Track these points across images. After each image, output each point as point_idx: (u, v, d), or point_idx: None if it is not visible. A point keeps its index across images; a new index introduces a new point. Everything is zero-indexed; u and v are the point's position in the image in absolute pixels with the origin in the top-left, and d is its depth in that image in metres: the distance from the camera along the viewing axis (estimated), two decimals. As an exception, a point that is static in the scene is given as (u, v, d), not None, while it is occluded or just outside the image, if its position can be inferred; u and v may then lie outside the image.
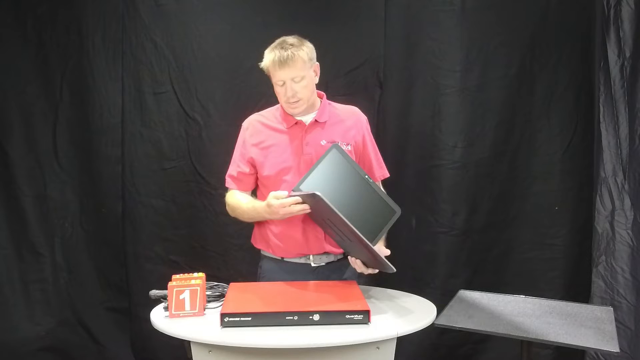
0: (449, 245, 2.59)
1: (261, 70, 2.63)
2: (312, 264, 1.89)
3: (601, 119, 2.25)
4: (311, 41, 1.95)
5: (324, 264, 1.90)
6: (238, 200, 1.92)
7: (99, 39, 2.71)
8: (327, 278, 1.87)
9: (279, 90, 1.88)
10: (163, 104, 2.73)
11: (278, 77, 1.84)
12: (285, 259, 1.91)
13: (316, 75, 1.91)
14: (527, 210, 2.54)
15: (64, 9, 2.70)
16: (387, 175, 2.01)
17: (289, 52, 1.81)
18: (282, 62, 1.80)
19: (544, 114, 2.51)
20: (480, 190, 2.57)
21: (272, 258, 1.94)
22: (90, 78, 2.72)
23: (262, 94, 2.65)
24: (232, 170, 1.97)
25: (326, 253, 1.89)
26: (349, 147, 1.89)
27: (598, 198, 2.24)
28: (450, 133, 2.57)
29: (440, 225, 2.59)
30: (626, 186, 2.21)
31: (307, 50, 1.85)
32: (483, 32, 2.52)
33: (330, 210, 1.56)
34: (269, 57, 1.85)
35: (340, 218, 1.54)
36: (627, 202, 2.20)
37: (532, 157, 2.53)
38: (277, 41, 1.87)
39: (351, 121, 1.94)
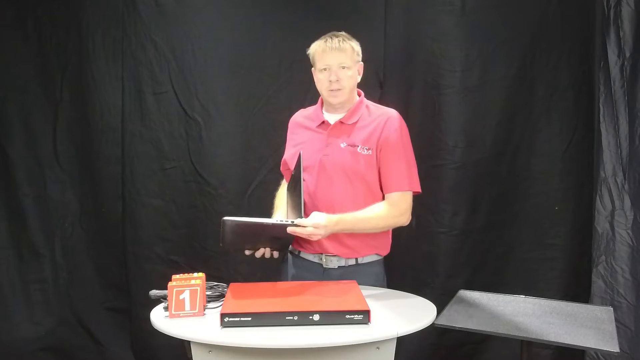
0: (449, 245, 2.59)
1: (261, 70, 2.67)
2: (324, 265, 1.89)
3: (601, 119, 2.24)
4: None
5: (335, 267, 1.88)
6: (277, 197, 2.10)
7: (99, 39, 2.71)
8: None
9: (321, 78, 1.88)
10: (163, 104, 2.73)
11: (325, 61, 1.85)
12: (301, 255, 1.93)
13: (359, 74, 1.93)
14: (527, 210, 2.54)
15: (64, 9, 2.70)
16: (406, 189, 1.85)
17: (341, 39, 1.87)
18: (333, 47, 1.84)
19: (544, 114, 2.51)
20: (480, 190, 2.57)
21: (291, 252, 1.97)
22: (90, 78, 2.72)
23: (262, 94, 2.66)
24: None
25: (337, 256, 1.88)
26: (370, 152, 1.86)
27: (598, 198, 2.24)
28: (450, 133, 2.56)
29: (440, 225, 2.59)
30: (626, 186, 2.21)
31: (357, 45, 1.92)
32: (483, 32, 2.51)
33: (246, 225, 1.70)
34: (319, 43, 1.88)
35: (256, 223, 1.71)
36: (627, 202, 2.20)
37: (532, 157, 2.53)
38: (327, 34, 1.91)
39: (378, 124, 1.89)
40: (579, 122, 2.47)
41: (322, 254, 1.88)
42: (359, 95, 1.97)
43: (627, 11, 2.20)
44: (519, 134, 2.54)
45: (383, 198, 1.90)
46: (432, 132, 2.58)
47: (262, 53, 2.66)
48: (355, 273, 1.87)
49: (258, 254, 1.79)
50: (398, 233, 2.62)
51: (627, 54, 2.21)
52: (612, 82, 2.22)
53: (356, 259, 1.89)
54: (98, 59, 2.71)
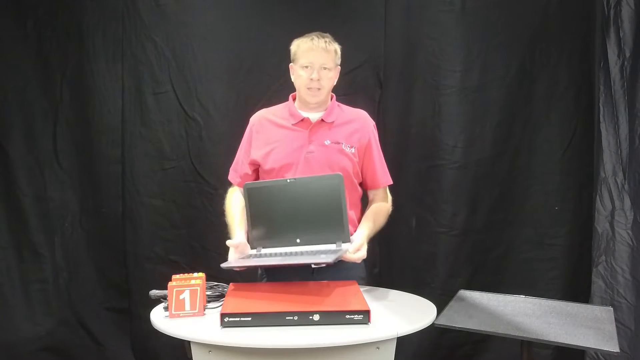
0: (449, 245, 2.59)
1: (261, 70, 2.67)
2: (313, 265, 1.87)
3: (601, 119, 2.25)
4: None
5: (323, 265, 1.88)
6: (230, 206, 1.94)
7: (99, 39, 2.71)
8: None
9: (301, 74, 1.88)
10: (163, 104, 2.73)
11: (308, 59, 1.86)
12: None
13: (336, 77, 1.96)
14: (527, 210, 2.54)
15: (64, 9, 2.70)
16: (390, 182, 1.99)
17: (328, 40, 1.89)
18: (319, 47, 1.86)
19: (544, 114, 2.51)
20: (480, 190, 2.57)
21: None
22: (90, 78, 2.73)
23: (262, 94, 2.66)
24: (235, 167, 2.00)
25: None
26: (353, 150, 1.89)
27: (598, 198, 2.24)
28: (450, 133, 2.57)
29: (440, 225, 2.59)
30: (626, 186, 2.21)
31: (339, 49, 1.93)
32: (483, 32, 2.52)
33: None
34: (304, 40, 1.89)
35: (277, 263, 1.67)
36: (627, 202, 2.20)
37: (532, 157, 2.53)
38: (312, 33, 1.92)
39: (358, 124, 1.94)
40: (579, 122, 2.47)
41: None
42: (332, 97, 2.00)
43: (627, 11, 2.20)
44: (519, 134, 2.54)
45: (361, 194, 1.97)
46: (432, 132, 2.58)
47: (262, 53, 2.66)
48: (341, 269, 1.84)
49: None
50: (398, 233, 2.62)
51: (627, 54, 2.21)
52: (612, 82, 2.23)
53: None
54: (98, 59, 2.72)
